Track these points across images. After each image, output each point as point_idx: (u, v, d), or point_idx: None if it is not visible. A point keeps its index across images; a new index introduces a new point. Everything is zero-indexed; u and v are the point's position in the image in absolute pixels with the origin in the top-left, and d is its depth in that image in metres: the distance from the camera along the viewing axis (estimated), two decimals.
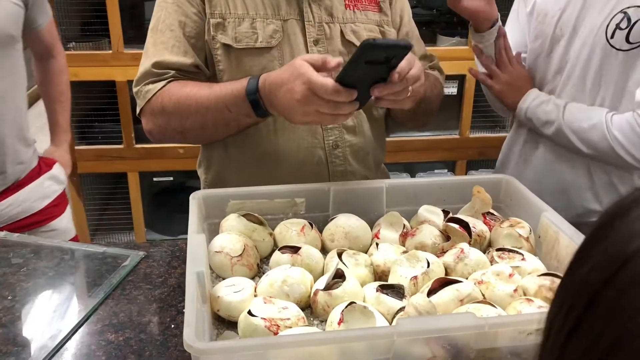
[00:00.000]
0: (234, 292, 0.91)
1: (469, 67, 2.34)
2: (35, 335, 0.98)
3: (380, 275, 1.00)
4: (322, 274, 1.00)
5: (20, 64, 1.47)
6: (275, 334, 0.83)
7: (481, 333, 0.78)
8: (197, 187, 1.24)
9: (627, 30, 1.12)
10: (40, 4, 1.52)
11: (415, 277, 0.93)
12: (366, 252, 1.06)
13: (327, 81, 0.94)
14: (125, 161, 2.44)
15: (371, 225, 1.12)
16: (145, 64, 1.17)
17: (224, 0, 1.16)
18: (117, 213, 2.58)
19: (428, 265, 0.95)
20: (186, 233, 0.99)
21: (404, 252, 1.02)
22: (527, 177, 1.34)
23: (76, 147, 2.40)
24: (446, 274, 0.98)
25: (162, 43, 1.16)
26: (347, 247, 1.05)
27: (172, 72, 1.15)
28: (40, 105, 1.70)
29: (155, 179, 2.61)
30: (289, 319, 0.85)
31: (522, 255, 0.99)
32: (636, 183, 1.22)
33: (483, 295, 0.91)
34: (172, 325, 1.00)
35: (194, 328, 0.74)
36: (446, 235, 1.06)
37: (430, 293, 0.89)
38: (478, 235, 1.05)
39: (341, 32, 1.21)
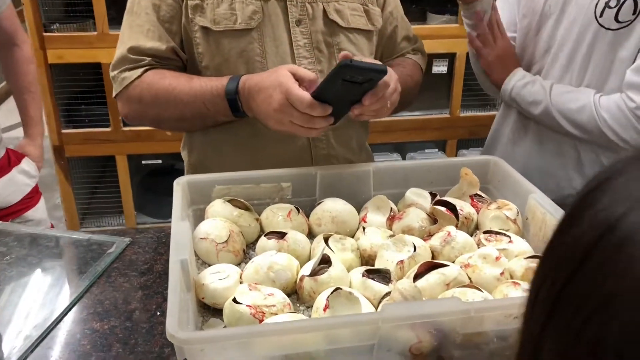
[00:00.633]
0: (219, 279, 0.90)
1: (459, 44, 2.34)
2: (19, 325, 0.97)
3: (367, 259, 1.00)
4: (309, 259, 0.99)
5: None
6: (261, 321, 0.82)
7: (467, 317, 0.78)
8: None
9: (616, 8, 1.10)
10: None
11: (402, 262, 0.93)
12: (353, 237, 1.05)
13: (303, 94, 0.96)
14: (113, 144, 2.41)
15: (358, 208, 1.11)
16: (121, 49, 1.15)
17: None
18: (106, 197, 2.56)
19: (414, 250, 0.94)
20: None
21: (391, 236, 1.01)
22: (515, 157, 1.33)
23: (63, 131, 2.37)
24: (433, 257, 0.97)
25: (138, 26, 1.14)
26: (334, 231, 1.04)
27: (149, 59, 1.13)
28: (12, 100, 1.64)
29: (144, 162, 2.59)
30: (274, 305, 0.85)
31: (510, 237, 0.99)
32: None
33: (470, 278, 0.91)
34: (158, 313, 1.00)
35: (176, 317, 0.74)
36: (433, 219, 1.06)
37: (417, 277, 0.89)
38: (465, 218, 1.05)
39: (324, 11, 1.18)
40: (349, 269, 0.95)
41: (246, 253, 1.03)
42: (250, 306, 0.83)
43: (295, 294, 0.93)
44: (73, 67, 2.33)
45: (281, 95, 0.97)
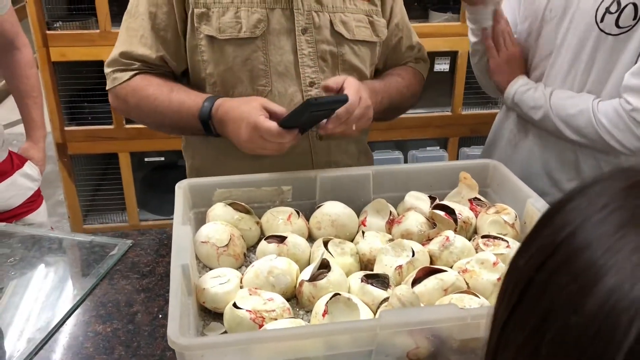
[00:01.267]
0: (220, 283, 0.91)
1: (461, 42, 2.34)
2: (23, 328, 0.99)
3: (366, 264, 1.01)
4: (309, 263, 1.00)
5: None
6: (261, 326, 0.83)
7: (464, 324, 0.79)
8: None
9: (616, 14, 1.10)
10: None
11: (400, 267, 0.94)
12: (353, 240, 1.06)
13: (271, 126, 1.03)
14: (116, 142, 2.42)
15: (358, 212, 1.12)
16: (115, 50, 1.19)
17: None
18: (109, 194, 2.58)
19: (413, 254, 0.95)
20: None
21: (390, 240, 1.02)
22: (514, 160, 1.33)
23: (66, 128, 2.38)
24: (431, 262, 0.98)
25: (133, 30, 1.17)
26: (334, 235, 1.05)
27: (138, 64, 1.17)
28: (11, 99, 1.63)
29: (146, 159, 2.60)
30: (274, 310, 0.86)
31: (507, 242, 0.99)
32: None
33: (467, 284, 0.92)
34: (160, 316, 1.01)
35: (177, 323, 0.75)
36: (432, 223, 1.07)
37: (415, 282, 0.90)
38: (464, 222, 1.06)
39: (331, 22, 1.19)
40: (348, 274, 0.96)
41: (246, 256, 1.04)
42: (250, 311, 0.84)
43: (295, 298, 0.95)
44: (76, 64, 2.33)
45: (249, 127, 1.04)
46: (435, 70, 2.44)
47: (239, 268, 1.01)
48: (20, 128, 1.63)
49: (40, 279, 1.11)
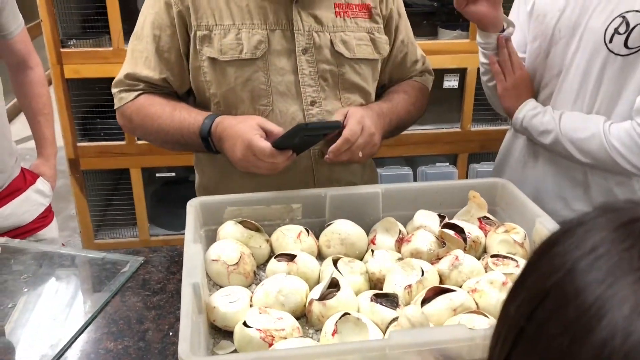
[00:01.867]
0: (230, 302, 0.92)
1: (470, 59, 2.35)
2: (35, 344, 1.00)
3: (375, 283, 1.01)
4: (318, 281, 1.01)
5: None
6: (270, 345, 0.84)
7: (473, 345, 0.79)
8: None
9: (625, 34, 1.11)
10: (11, 10, 1.46)
11: (410, 286, 0.94)
12: (362, 259, 1.07)
13: (265, 146, 1.05)
14: (128, 157, 2.45)
15: (367, 229, 1.12)
16: (121, 71, 1.23)
17: (210, 12, 1.16)
18: (120, 209, 2.59)
19: (422, 274, 0.95)
20: None
21: (400, 259, 1.02)
22: (524, 179, 1.33)
23: (78, 144, 2.41)
24: (441, 281, 0.98)
25: (138, 52, 1.20)
26: (343, 253, 1.06)
27: (143, 84, 1.21)
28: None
29: (157, 175, 2.62)
30: (283, 329, 0.86)
31: (517, 261, 0.99)
32: (635, 189, 1.22)
33: (477, 303, 0.92)
34: (171, 333, 1.02)
35: (188, 342, 0.76)
36: (442, 241, 1.07)
37: (424, 302, 0.90)
38: (473, 242, 1.06)
39: (331, 41, 1.20)
40: (357, 293, 0.96)
41: (256, 274, 1.05)
42: (260, 330, 0.85)
43: (305, 317, 0.95)
44: (89, 81, 2.37)
45: (243, 146, 1.07)
46: (444, 86, 2.45)
47: (249, 286, 1.01)
48: (32, 143, 1.65)
49: (52, 295, 1.12)
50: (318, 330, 0.91)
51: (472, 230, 1.07)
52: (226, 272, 1.00)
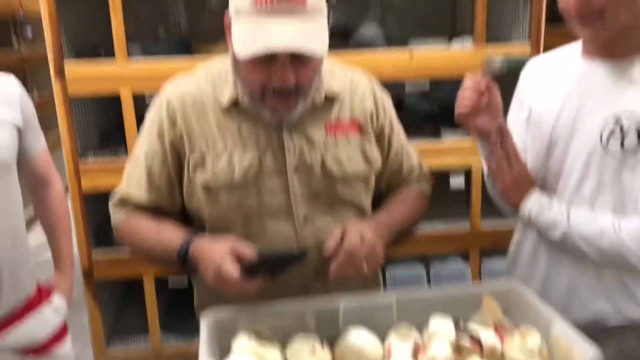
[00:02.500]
0: None
1: (474, 158, 2.40)
2: None
3: None
4: None
5: (15, 187, 1.46)
6: None
7: None
8: None
9: (620, 137, 1.15)
10: (34, 131, 1.53)
11: None
12: None
13: (232, 273, 1.06)
14: (141, 266, 2.46)
15: (382, 335, 1.11)
16: (118, 190, 1.31)
17: (203, 139, 1.21)
18: (132, 317, 2.58)
19: None
20: None
21: None
22: (536, 278, 1.33)
23: (93, 254, 2.43)
24: None
25: (134, 177, 1.28)
26: None
27: (134, 204, 1.28)
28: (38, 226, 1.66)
29: (170, 284, 2.61)
30: None
31: None
32: None
33: None
34: None
35: None
36: (458, 349, 1.06)
37: None
38: (490, 349, 1.05)
39: (322, 160, 1.22)
40: None
41: None
42: None
43: None
44: (105, 194, 2.42)
45: (214, 271, 1.08)
46: (451, 185, 2.49)
47: None
48: (47, 254, 1.67)
49: None
50: None
51: (489, 336, 1.07)
52: None
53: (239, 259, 1.08)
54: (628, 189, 1.16)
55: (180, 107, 1.22)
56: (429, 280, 2.64)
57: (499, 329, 1.12)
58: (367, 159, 1.27)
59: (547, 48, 2.23)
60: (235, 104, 1.21)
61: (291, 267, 1.15)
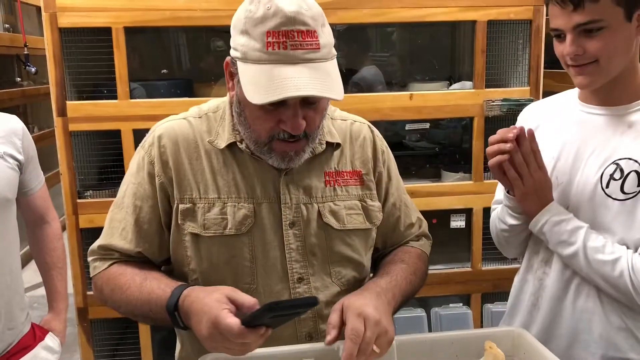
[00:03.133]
0: None
1: (475, 200, 2.40)
2: None
3: None
4: None
5: (14, 226, 1.45)
6: None
7: None
8: None
9: (620, 180, 1.15)
10: (34, 168, 1.53)
11: None
12: None
13: (232, 324, 0.93)
14: None
15: None
16: (97, 241, 1.20)
17: (194, 184, 1.14)
18: (127, 357, 2.52)
19: None
20: None
21: None
22: (538, 321, 1.31)
23: (88, 293, 2.40)
24: None
25: (117, 221, 1.17)
26: None
27: (117, 254, 1.17)
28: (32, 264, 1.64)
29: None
30: None
31: None
32: None
33: None
34: None
35: None
36: None
37: None
38: None
39: (319, 213, 1.16)
40: None
41: None
42: None
43: None
44: (101, 230, 2.41)
45: (210, 323, 0.95)
46: (451, 227, 2.48)
47: None
48: (41, 291, 1.64)
49: None
50: None
51: None
52: None
53: (237, 309, 0.98)
54: (629, 229, 1.15)
55: (172, 148, 1.15)
56: (429, 323, 2.61)
57: None
58: (367, 212, 1.21)
59: (546, 91, 2.26)
60: (232, 148, 1.15)
61: (298, 315, 1.07)
